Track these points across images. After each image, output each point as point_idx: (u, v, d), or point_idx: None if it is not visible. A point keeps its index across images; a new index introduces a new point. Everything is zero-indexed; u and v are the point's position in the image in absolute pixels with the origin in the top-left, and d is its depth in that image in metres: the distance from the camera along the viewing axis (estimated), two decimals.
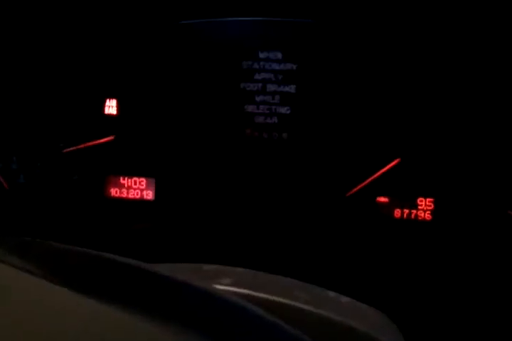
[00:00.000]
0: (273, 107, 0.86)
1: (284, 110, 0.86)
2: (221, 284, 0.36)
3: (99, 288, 0.22)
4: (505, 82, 0.79)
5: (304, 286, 0.39)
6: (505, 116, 0.80)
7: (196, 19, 0.86)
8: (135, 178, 0.90)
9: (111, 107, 0.90)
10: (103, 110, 0.90)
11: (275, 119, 0.86)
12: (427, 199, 0.83)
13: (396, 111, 0.83)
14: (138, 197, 0.90)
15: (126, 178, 0.90)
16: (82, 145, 0.89)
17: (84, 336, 0.19)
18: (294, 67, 0.85)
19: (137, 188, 0.90)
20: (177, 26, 0.87)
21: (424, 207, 0.83)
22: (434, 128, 0.82)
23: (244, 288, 0.35)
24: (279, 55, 0.85)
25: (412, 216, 0.84)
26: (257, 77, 0.86)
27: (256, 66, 0.86)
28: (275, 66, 0.86)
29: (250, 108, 0.87)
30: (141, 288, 0.24)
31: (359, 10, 0.83)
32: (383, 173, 0.83)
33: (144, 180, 0.89)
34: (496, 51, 0.79)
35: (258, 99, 0.87)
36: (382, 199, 0.84)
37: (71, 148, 0.89)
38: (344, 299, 0.39)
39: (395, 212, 0.84)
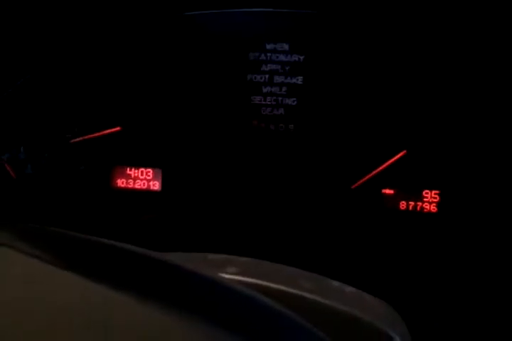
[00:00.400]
0: (280, 98, 0.86)
1: (290, 101, 0.86)
2: (227, 273, 0.36)
3: (107, 274, 0.23)
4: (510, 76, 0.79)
5: (308, 276, 0.40)
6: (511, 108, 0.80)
7: (201, 10, 0.86)
8: (142, 169, 0.90)
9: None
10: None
11: (282, 111, 0.86)
12: (433, 192, 0.83)
13: (402, 103, 0.83)
14: (144, 187, 0.90)
15: (132, 169, 0.90)
16: (89, 136, 0.90)
17: (89, 321, 0.20)
18: (301, 58, 0.85)
19: (144, 179, 0.90)
20: (182, 17, 0.87)
21: (430, 199, 0.83)
22: (440, 120, 0.82)
23: (250, 277, 0.36)
24: (286, 47, 0.85)
25: (418, 208, 0.84)
26: (263, 68, 0.86)
27: (263, 57, 0.86)
28: (282, 57, 0.85)
29: (257, 99, 0.87)
30: (149, 275, 0.25)
31: (365, 1, 0.82)
32: (389, 165, 0.83)
33: (150, 171, 0.90)
34: (499, 44, 0.79)
35: (265, 90, 0.87)
36: (388, 191, 0.84)
37: (78, 139, 0.90)
38: (348, 289, 0.40)
39: (401, 204, 0.84)
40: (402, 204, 0.84)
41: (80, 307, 0.21)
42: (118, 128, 0.90)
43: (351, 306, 0.37)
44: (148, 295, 0.21)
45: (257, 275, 0.36)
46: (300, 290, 0.36)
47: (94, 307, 0.20)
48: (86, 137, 0.90)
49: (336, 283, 0.40)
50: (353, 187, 0.85)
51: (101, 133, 0.90)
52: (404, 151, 0.83)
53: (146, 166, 0.90)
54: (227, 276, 0.36)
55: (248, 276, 0.36)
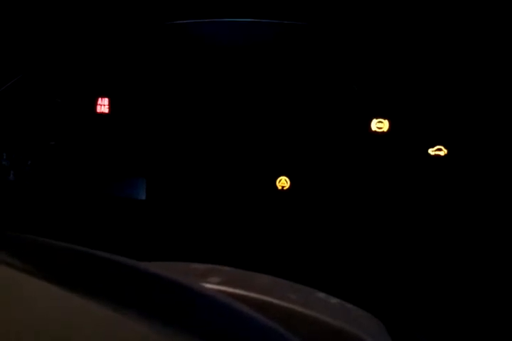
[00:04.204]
0: None
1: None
2: (211, 283, 0.36)
3: (88, 285, 0.22)
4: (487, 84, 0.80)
5: (293, 286, 0.39)
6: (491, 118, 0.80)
7: (187, 19, 0.86)
8: (126, 177, 0.89)
9: (103, 106, 0.89)
10: (95, 109, 0.90)
11: None
12: None
13: (388, 114, 0.83)
14: (129, 196, 0.89)
15: (117, 177, 0.89)
16: (73, 143, 0.89)
17: (71, 333, 0.19)
18: (286, 69, 0.85)
19: (129, 187, 0.89)
20: (166, 26, 0.86)
21: None
22: (421, 132, 0.83)
23: (234, 287, 0.35)
24: (271, 57, 0.85)
25: None
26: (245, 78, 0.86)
27: (245, 67, 0.86)
28: (266, 68, 0.86)
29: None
30: (127, 285, 0.24)
31: (350, 11, 0.83)
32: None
33: (135, 180, 0.89)
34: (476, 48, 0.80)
35: None
36: None
37: (62, 146, 0.89)
38: (334, 300, 0.39)
39: None
40: None
41: (56, 317, 0.20)
42: (103, 137, 0.89)
43: (336, 317, 0.36)
44: (126, 306, 0.21)
45: (241, 286, 0.36)
46: (284, 301, 0.35)
47: (70, 317, 0.20)
48: (70, 144, 0.89)
49: (321, 294, 0.40)
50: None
51: (85, 140, 0.89)
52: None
53: (130, 175, 0.89)
54: (210, 286, 0.35)
55: (232, 286, 0.35)
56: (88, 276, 0.23)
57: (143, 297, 0.23)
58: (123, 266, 0.26)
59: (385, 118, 0.83)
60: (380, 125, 0.84)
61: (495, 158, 0.80)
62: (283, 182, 0.86)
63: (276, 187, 0.86)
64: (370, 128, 0.84)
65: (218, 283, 0.36)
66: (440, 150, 0.82)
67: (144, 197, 0.89)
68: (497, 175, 0.80)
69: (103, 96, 0.90)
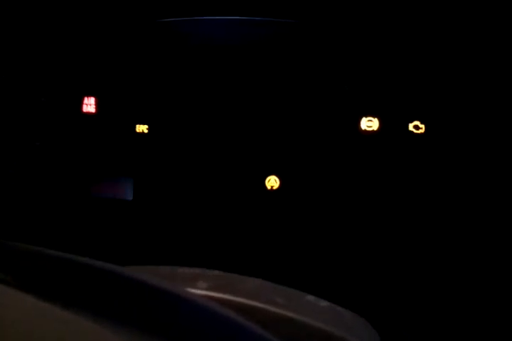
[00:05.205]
0: None
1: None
2: (198, 288, 0.35)
3: (66, 295, 0.21)
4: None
5: (282, 290, 0.38)
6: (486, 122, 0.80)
7: (177, 17, 0.85)
8: (113, 178, 0.88)
9: (89, 105, 0.88)
10: (81, 108, 0.88)
11: None
12: None
13: (377, 112, 0.83)
14: (116, 197, 0.88)
15: (104, 178, 0.88)
16: (59, 144, 0.88)
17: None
18: (278, 67, 0.84)
19: (115, 188, 0.88)
20: (156, 24, 0.85)
21: None
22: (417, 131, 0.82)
23: (221, 292, 0.35)
24: (262, 56, 0.84)
25: None
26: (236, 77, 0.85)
27: (234, 66, 0.85)
28: (258, 66, 0.85)
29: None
30: (112, 295, 0.23)
31: (340, 9, 0.82)
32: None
33: (122, 180, 0.88)
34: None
35: None
36: None
37: (47, 146, 0.88)
38: (322, 303, 0.39)
39: None
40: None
41: (29, 329, 0.19)
42: (89, 137, 0.88)
43: (324, 322, 0.36)
44: (106, 317, 0.20)
45: (229, 291, 0.35)
46: (272, 306, 0.34)
47: (46, 329, 0.19)
48: (56, 145, 0.88)
49: (310, 297, 0.39)
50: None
51: (71, 141, 0.88)
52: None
53: (117, 175, 0.88)
54: (197, 292, 0.35)
55: (219, 291, 0.35)
56: (66, 285, 0.22)
57: (124, 306, 0.22)
58: (104, 273, 0.25)
59: (374, 117, 0.83)
60: (369, 124, 0.83)
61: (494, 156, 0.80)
62: (272, 181, 0.85)
63: (265, 187, 0.85)
64: (360, 127, 0.83)
65: (206, 289, 0.35)
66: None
67: (130, 198, 0.88)
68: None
69: (89, 95, 0.88)
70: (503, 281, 0.77)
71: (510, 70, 0.78)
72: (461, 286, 0.79)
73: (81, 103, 0.88)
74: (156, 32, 0.86)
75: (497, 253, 0.78)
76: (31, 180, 0.88)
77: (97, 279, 0.24)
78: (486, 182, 0.80)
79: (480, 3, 0.74)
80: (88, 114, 0.88)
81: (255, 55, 0.85)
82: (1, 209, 0.88)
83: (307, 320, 0.35)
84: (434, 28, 0.80)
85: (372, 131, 0.83)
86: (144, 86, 0.87)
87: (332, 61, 0.83)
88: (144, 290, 0.26)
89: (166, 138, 0.87)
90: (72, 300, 0.20)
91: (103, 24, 0.86)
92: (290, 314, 0.34)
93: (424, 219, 0.82)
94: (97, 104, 0.88)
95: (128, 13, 0.85)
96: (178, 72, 0.86)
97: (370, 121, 0.83)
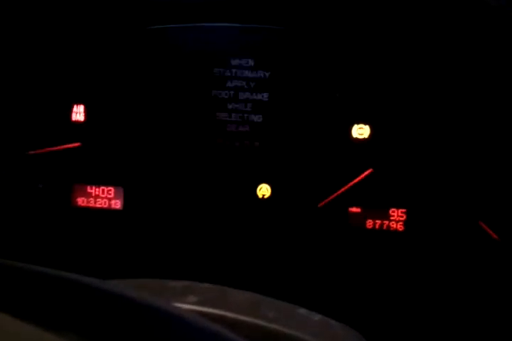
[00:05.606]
0: (245, 115, 0.85)
1: (256, 118, 0.85)
2: (187, 303, 0.34)
3: (45, 313, 0.21)
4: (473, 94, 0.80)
5: (272, 303, 0.38)
6: (476, 126, 0.80)
7: (166, 25, 0.85)
8: (103, 187, 0.87)
9: (78, 113, 0.87)
10: (70, 116, 0.87)
11: (247, 127, 0.85)
12: (399, 210, 0.82)
13: (369, 120, 0.83)
14: (106, 206, 0.87)
15: (93, 187, 0.87)
16: (47, 151, 0.86)
17: None
18: (267, 74, 0.84)
19: (105, 197, 0.87)
20: (146, 32, 0.85)
21: (397, 218, 0.82)
22: (407, 138, 0.82)
23: (211, 307, 0.34)
24: (251, 63, 0.84)
25: (384, 227, 0.83)
26: (229, 84, 0.85)
27: (228, 73, 0.85)
28: (247, 73, 0.84)
29: (222, 116, 0.85)
30: (95, 314, 0.22)
31: (331, 17, 0.82)
32: (355, 183, 0.82)
33: (111, 189, 0.87)
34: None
35: (230, 106, 0.85)
36: (355, 209, 0.83)
37: (36, 154, 0.86)
38: (313, 316, 0.38)
39: (367, 222, 0.83)
40: (369, 223, 0.83)
41: None
42: (77, 144, 0.87)
43: (316, 335, 0.35)
44: (88, 337, 0.19)
45: (219, 305, 0.34)
46: (261, 320, 0.34)
47: None
48: (44, 152, 0.86)
49: (301, 310, 0.38)
50: (319, 205, 0.83)
51: (59, 148, 0.86)
52: (371, 169, 0.82)
53: (107, 184, 0.87)
54: (186, 306, 0.34)
55: (209, 306, 0.34)
56: (45, 303, 0.22)
57: (108, 325, 0.22)
58: (87, 290, 0.24)
59: (366, 124, 0.83)
60: (361, 131, 0.83)
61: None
62: (264, 190, 0.85)
63: (257, 196, 0.85)
64: (351, 135, 0.83)
65: (195, 303, 0.34)
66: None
67: (120, 207, 0.87)
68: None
69: (78, 103, 0.87)
70: (500, 288, 0.77)
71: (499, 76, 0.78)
72: (454, 299, 0.79)
73: (70, 111, 0.87)
74: (146, 39, 0.85)
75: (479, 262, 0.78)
76: (21, 189, 0.87)
77: (78, 297, 0.23)
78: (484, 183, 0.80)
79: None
80: (77, 122, 0.87)
81: (246, 62, 0.84)
82: None
83: (297, 334, 0.34)
84: (421, 37, 0.80)
85: (364, 138, 0.83)
86: (135, 93, 0.86)
87: (323, 69, 0.83)
88: (130, 308, 0.25)
89: (158, 146, 0.86)
90: (51, 322, 0.20)
91: (93, 32, 0.85)
92: (280, 328, 0.34)
93: (419, 222, 0.82)
94: (87, 112, 0.87)
95: (118, 20, 0.85)
96: (168, 78, 0.85)
97: (361, 128, 0.83)
